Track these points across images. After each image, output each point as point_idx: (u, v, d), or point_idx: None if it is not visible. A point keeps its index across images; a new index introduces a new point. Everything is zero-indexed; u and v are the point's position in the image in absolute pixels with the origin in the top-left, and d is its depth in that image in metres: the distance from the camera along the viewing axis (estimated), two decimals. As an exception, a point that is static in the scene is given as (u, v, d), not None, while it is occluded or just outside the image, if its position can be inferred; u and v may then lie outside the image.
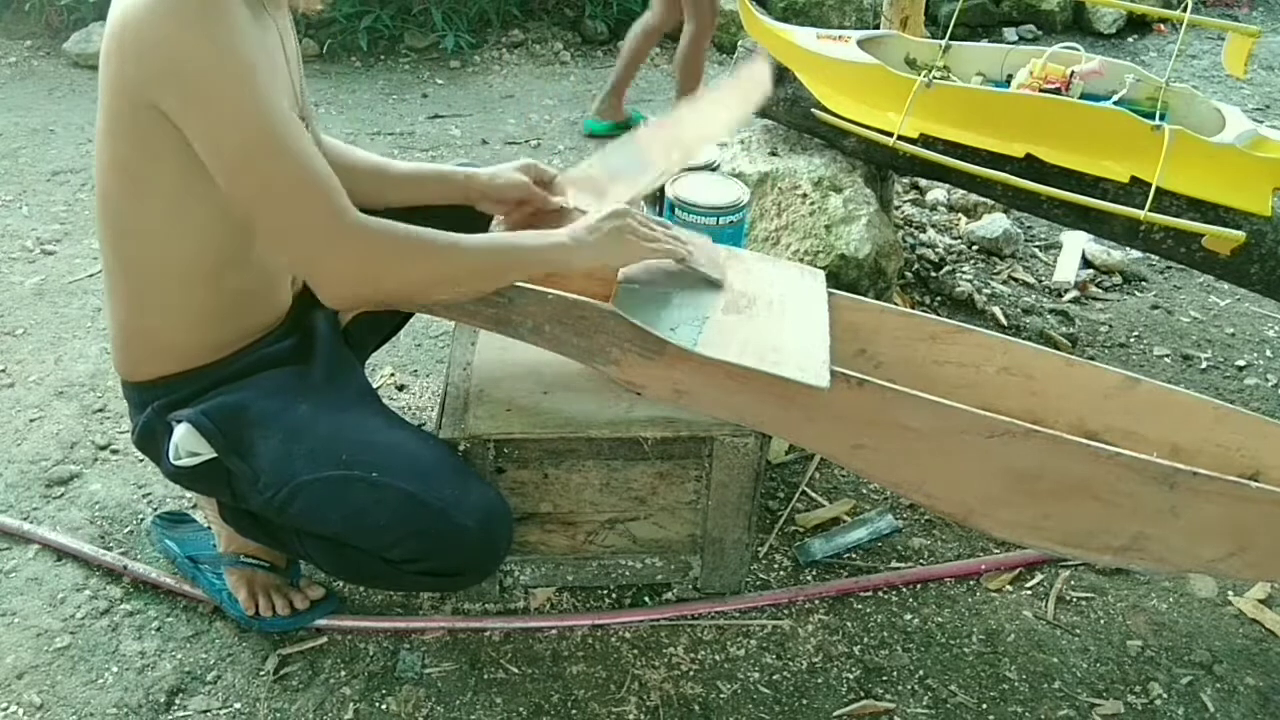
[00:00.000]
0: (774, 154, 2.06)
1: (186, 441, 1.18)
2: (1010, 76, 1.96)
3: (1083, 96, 1.84)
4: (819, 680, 1.38)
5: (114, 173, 1.12)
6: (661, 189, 1.61)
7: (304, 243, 1.09)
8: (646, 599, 1.49)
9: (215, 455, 1.19)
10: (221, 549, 1.45)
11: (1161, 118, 1.71)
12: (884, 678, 1.38)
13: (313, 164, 1.06)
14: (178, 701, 1.33)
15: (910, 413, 1.22)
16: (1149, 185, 1.64)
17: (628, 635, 1.43)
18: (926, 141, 1.84)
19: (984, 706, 1.35)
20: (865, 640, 1.44)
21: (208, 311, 1.21)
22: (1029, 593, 1.53)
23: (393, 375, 1.99)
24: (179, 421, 1.19)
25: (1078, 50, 1.92)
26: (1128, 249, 2.36)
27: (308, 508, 1.18)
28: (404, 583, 1.32)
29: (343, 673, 1.37)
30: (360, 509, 1.17)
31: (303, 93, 1.27)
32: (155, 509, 1.63)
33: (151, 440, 1.25)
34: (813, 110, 1.96)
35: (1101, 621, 1.48)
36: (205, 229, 1.14)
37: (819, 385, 1.17)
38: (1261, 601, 1.52)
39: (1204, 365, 2.13)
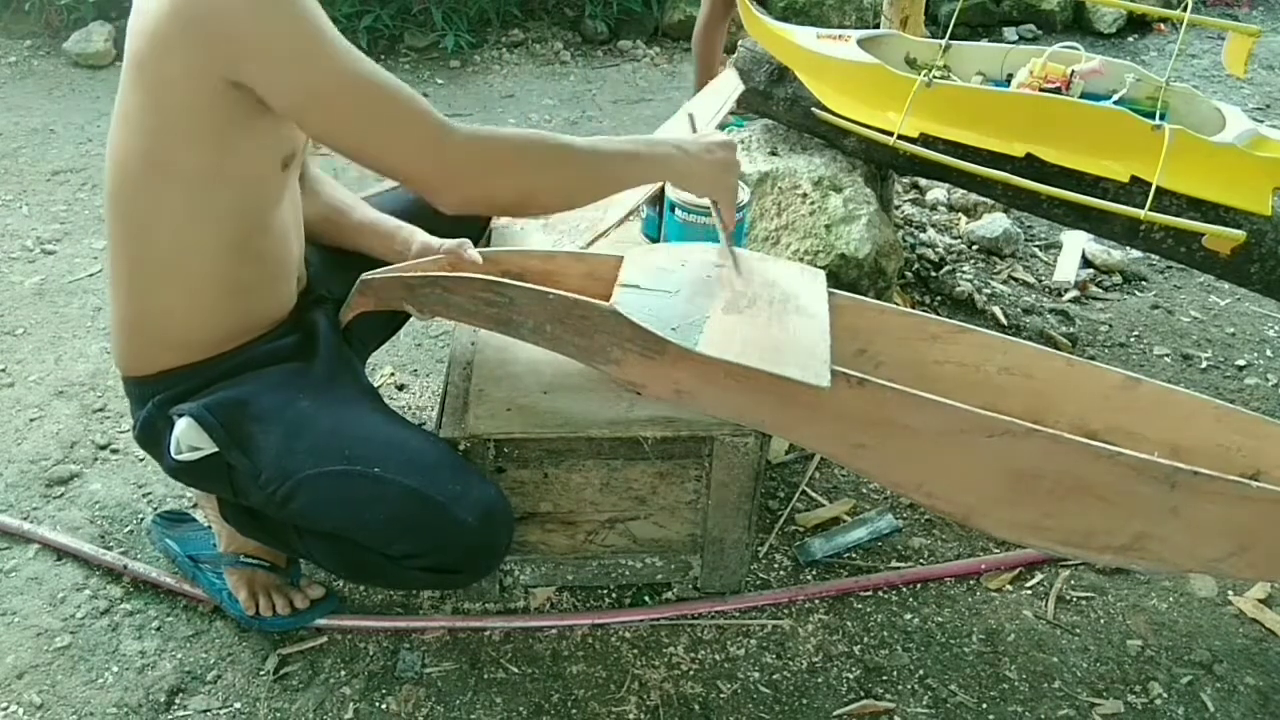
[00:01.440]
0: (774, 153, 2.06)
1: (188, 436, 1.18)
2: (1010, 76, 1.95)
3: (1083, 96, 1.84)
4: (819, 680, 1.38)
5: (135, 163, 1.12)
6: (662, 189, 1.61)
7: (421, 163, 1.11)
8: (646, 599, 1.49)
9: (216, 450, 1.19)
10: (222, 548, 1.45)
11: (1162, 117, 1.71)
12: (884, 677, 1.38)
13: (403, 91, 1.08)
14: (178, 701, 1.33)
15: (911, 412, 1.22)
16: (1149, 185, 1.64)
17: (628, 635, 1.43)
18: (927, 141, 1.84)
19: (984, 706, 1.35)
20: (865, 640, 1.44)
21: (214, 304, 1.21)
22: (1029, 592, 1.53)
23: (393, 375, 1.99)
24: (180, 415, 1.19)
25: (1078, 50, 1.92)
26: (1128, 249, 2.36)
27: (309, 503, 1.18)
28: (405, 580, 1.32)
29: (343, 672, 1.37)
30: (361, 504, 1.17)
31: None
32: (155, 508, 1.63)
33: (153, 435, 1.25)
34: (813, 110, 1.96)
35: (1101, 621, 1.48)
36: (224, 221, 1.15)
37: (820, 385, 1.16)
38: (1261, 601, 1.52)
39: (1204, 365, 2.13)
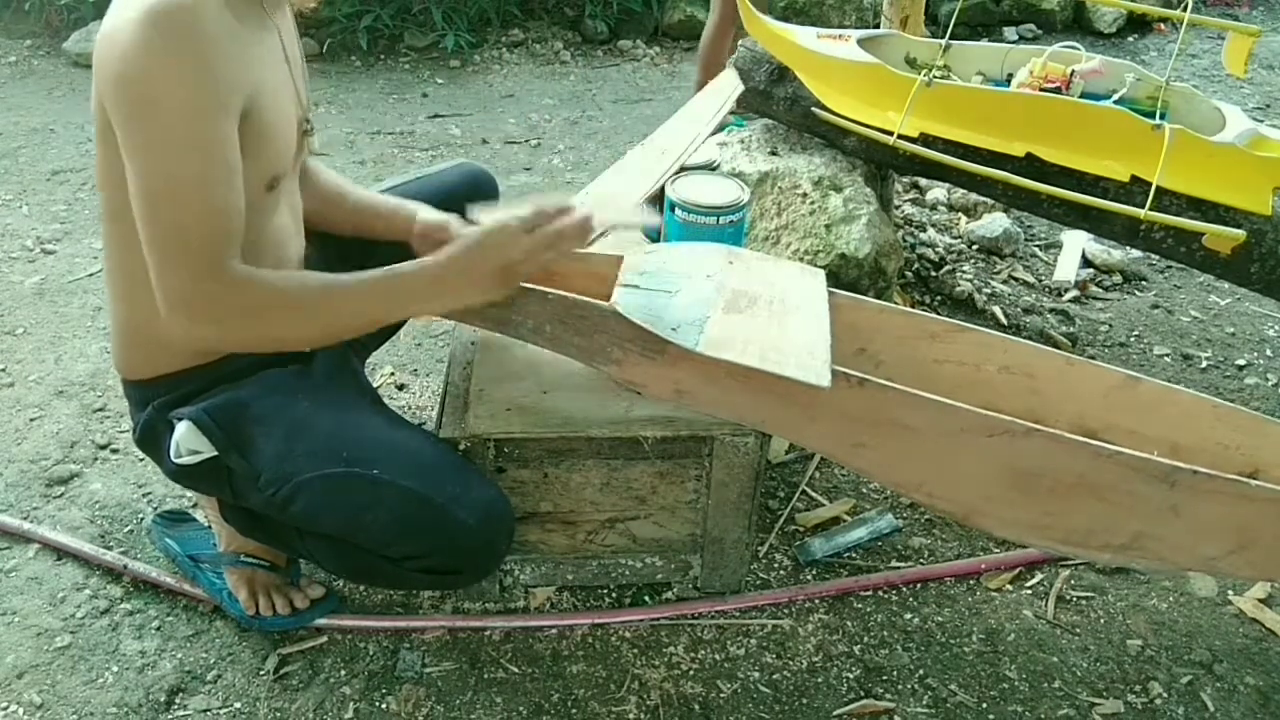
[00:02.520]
0: (774, 153, 2.06)
1: (187, 439, 1.18)
2: (1010, 76, 1.95)
3: (1083, 96, 1.83)
4: (819, 680, 1.38)
5: (119, 177, 1.11)
6: (661, 189, 1.61)
7: (181, 277, 1.06)
8: (646, 598, 1.49)
9: (216, 453, 1.19)
10: (222, 548, 1.45)
11: (1162, 117, 1.71)
12: (884, 677, 1.38)
13: (200, 232, 1.04)
14: (178, 701, 1.33)
15: (911, 412, 1.22)
16: (1149, 184, 1.64)
17: (628, 635, 1.43)
18: (927, 140, 1.84)
19: (984, 706, 1.35)
20: (865, 640, 1.44)
21: None
22: (1029, 592, 1.53)
23: (393, 374, 1.99)
24: (180, 419, 1.19)
25: (1078, 49, 1.92)
26: (1128, 248, 2.36)
27: (309, 505, 1.18)
28: (405, 581, 1.32)
29: (343, 672, 1.37)
30: (361, 506, 1.17)
31: (305, 94, 1.27)
32: (155, 508, 1.63)
33: (152, 439, 1.25)
34: (813, 109, 1.96)
35: (1102, 621, 1.48)
36: None
37: (820, 384, 1.16)
38: (1261, 601, 1.52)
39: (1204, 364, 2.13)
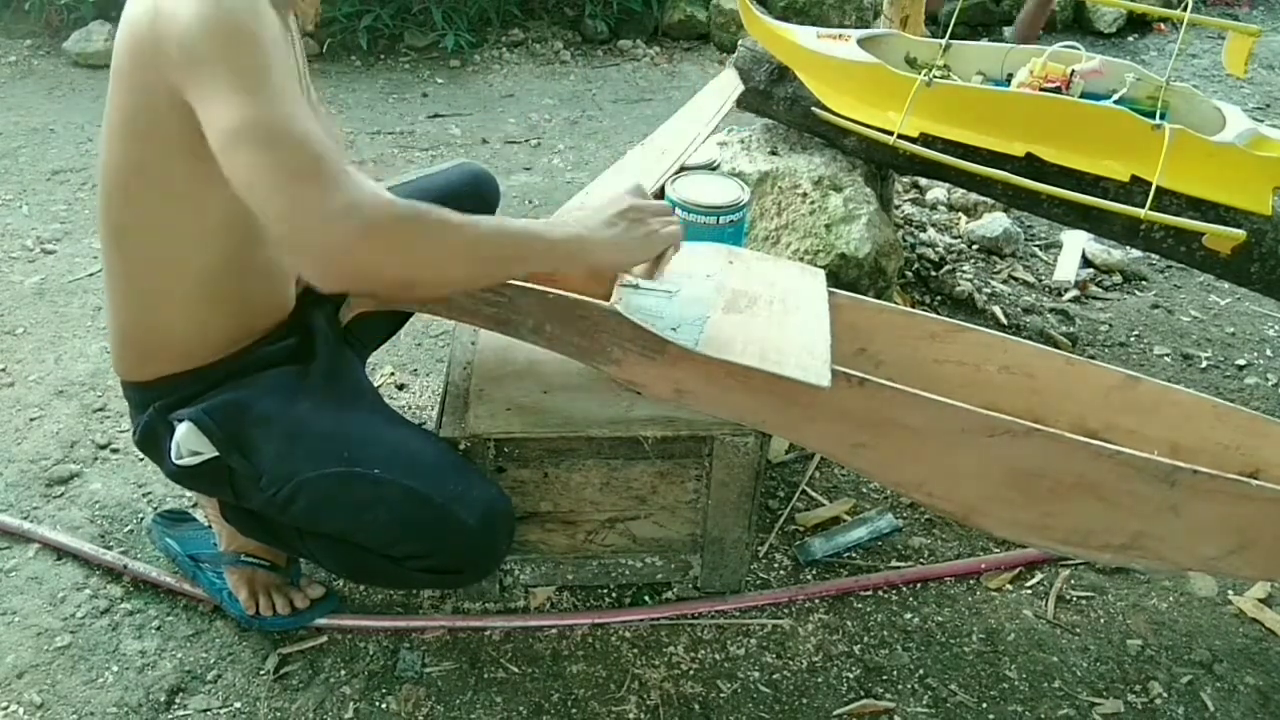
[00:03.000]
0: (774, 153, 2.06)
1: (188, 440, 1.18)
2: (1010, 75, 1.95)
3: (1083, 95, 1.83)
4: (819, 679, 1.38)
5: (128, 173, 1.11)
6: (661, 189, 1.61)
7: (301, 232, 0.97)
8: (646, 598, 1.49)
9: (217, 454, 1.19)
10: (222, 548, 1.45)
11: (1162, 117, 1.71)
12: (884, 677, 1.38)
13: (314, 148, 0.97)
14: (178, 700, 1.33)
15: (911, 412, 1.22)
16: (1149, 184, 1.64)
17: (628, 634, 1.43)
18: (927, 140, 1.84)
19: (984, 705, 1.35)
20: (865, 639, 1.44)
21: (212, 312, 1.21)
22: (1029, 592, 1.53)
23: (393, 374, 1.99)
24: (180, 420, 1.19)
25: (1078, 49, 1.92)
26: (1128, 248, 2.36)
27: (310, 505, 1.18)
28: (406, 580, 1.32)
29: (343, 672, 1.37)
30: (362, 506, 1.17)
31: (310, 91, 1.27)
32: (155, 508, 1.63)
33: (153, 440, 1.25)
34: (813, 109, 1.96)
35: (1102, 621, 1.48)
36: (218, 232, 1.14)
37: (820, 384, 1.16)
38: (1261, 601, 1.52)
39: (1204, 364, 2.13)
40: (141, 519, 1.60)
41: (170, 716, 1.31)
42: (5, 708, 1.30)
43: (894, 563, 1.57)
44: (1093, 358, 2.05)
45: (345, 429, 1.21)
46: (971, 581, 1.54)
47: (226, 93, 0.97)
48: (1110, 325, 2.25)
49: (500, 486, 1.28)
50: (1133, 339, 2.21)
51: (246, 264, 1.19)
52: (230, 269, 1.18)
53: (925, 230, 2.53)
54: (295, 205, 0.95)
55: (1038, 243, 2.58)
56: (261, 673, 1.36)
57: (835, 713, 1.33)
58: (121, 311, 1.21)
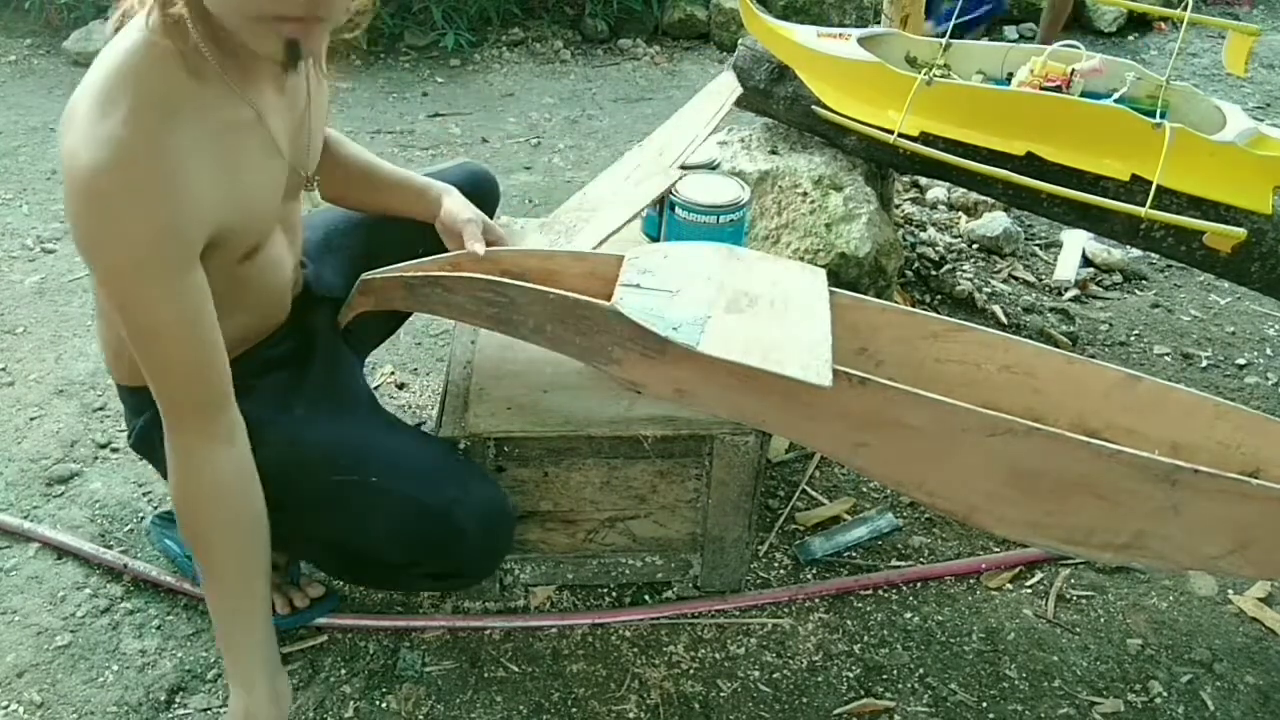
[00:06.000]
0: (774, 152, 2.06)
1: None
2: (1011, 74, 1.95)
3: (1083, 94, 1.83)
4: (819, 679, 1.38)
5: None
6: (662, 197, 1.61)
7: (164, 413, 1.05)
8: (647, 597, 1.49)
9: None
10: None
11: (1162, 116, 1.71)
12: (884, 676, 1.38)
13: (182, 372, 1.02)
14: (178, 700, 1.33)
15: (912, 411, 1.22)
16: (1149, 183, 1.64)
17: (628, 634, 1.43)
18: (927, 139, 1.84)
19: (984, 705, 1.35)
20: (865, 639, 1.44)
21: None
22: (1029, 591, 1.53)
23: (393, 374, 1.99)
24: None
25: (1078, 48, 1.92)
26: (1128, 247, 2.35)
27: (308, 513, 1.17)
28: (405, 583, 1.32)
29: (343, 671, 1.37)
30: (360, 514, 1.16)
31: (310, 144, 1.21)
32: (155, 507, 1.62)
33: (149, 445, 1.25)
34: (813, 108, 1.96)
35: (1102, 620, 1.48)
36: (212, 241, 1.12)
37: (821, 384, 1.16)
38: (1261, 600, 1.52)
39: (1204, 364, 2.13)
40: (141, 518, 1.60)
41: (170, 716, 1.31)
42: (5, 707, 1.30)
43: (894, 562, 1.57)
44: (1093, 357, 2.05)
45: (342, 436, 1.20)
46: (971, 581, 1.54)
47: (99, 284, 0.99)
48: (1110, 324, 2.25)
49: (500, 486, 1.28)
50: (1133, 338, 2.21)
51: (241, 304, 1.16)
52: (223, 276, 1.15)
53: (925, 229, 2.53)
54: (161, 405, 1.04)
55: (1038, 242, 2.58)
56: (262, 672, 1.36)
57: (835, 712, 1.33)
58: (110, 324, 1.19)
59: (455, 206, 1.37)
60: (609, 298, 1.24)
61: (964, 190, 2.57)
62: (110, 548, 1.54)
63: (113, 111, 0.92)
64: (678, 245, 1.49)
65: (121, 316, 0.99)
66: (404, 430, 1.28)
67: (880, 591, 1.52)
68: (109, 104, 0.92)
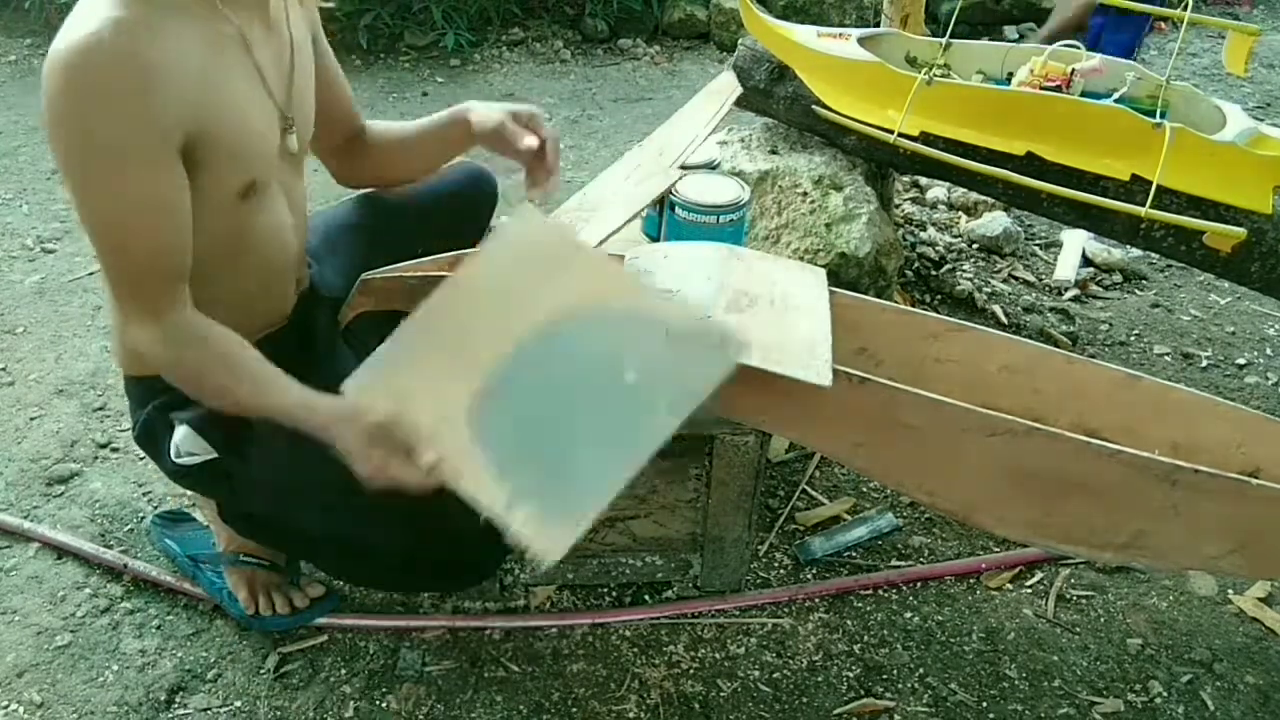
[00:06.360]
0: (774, 152, 2.06)
1: (187, 442, 1.18)
2: (1011, 74, 1.95)
3: (1083, 94, 1.83)
4: (819, 678, 1.38)
5: None
6: (663, 197, 1.61)
7: (126, 318, 1.09)
8: (647, 597, 1.49)
9: (216, 456, 1.19)
10: (221, 548, 1.44)
11: (1162, 115, 1.70)
12: (884, 676, 1.38)
13: (148, 264, 1.05)
14: (178, 700, 1.33)
15: (911, 411, 1.22)
16: (1150, 183, 1.64)
17: (628, 633, 1.43)
18: (927, 139, 1.84)
19: (984, 705, 1.35)
20: (865, 638, 1.44)
21: (210, 310, 1.20)
22: (1029, 591, 1.53)
23: (393, 373, 1.98)
24: (180, 423, 1.19)
25: (1078, 48, 1.92)
26: (1128, 247, 2.35)
27: (309, 511, 1.17)
28: (405, 584, 1.32)
29: (343, 671, 1.37)
30: (361, 511, 1.16)
31: (304, 92, 1.24)
32: (155, 507, 1.62)
33: (152, 438, 1.25)
34: (813, 108, 1.96)
35: (1102, 620, 1.48)
36: (213, 233, 1.13)
37: (821, 384, 1.16)
38: (1261, 600, 1.52)
39: (1204, 363, 2.13)
40: (142, 518, 1.60)
41: (170, 715, 1.31)
42: (6, 706, 1.30)
43: (894, 562, 1.57)
44: (1093, 357, 2.05)
45: None
46: (971, 581, 1.54)
47: (71, 196, 1.03)
48: (1110, 324, 2.25)
49: None
50: (1133, 338, 2.21)
51: (234, 268, 1.18)
52: (226, 268, 1.17)
53: (925, 229, 2.53)
54: (116, 315, 1.11)
55: (1038, 242, 2.58)
56: (262, 672, 1.36)
57: (835, 711, 1.33)
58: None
59: (481, 118, 1.33)
60: (609, 297, 1.24)
61: (964, 190, 2.57)
62: (110, 548, 1.54)
63: (99, 9, 0.97)
64: (678, 245, 1.49)
65: (81, 199, 1.02)
66: None
67: (880, 591, 1.52)
68: (96, 5, 0.97)
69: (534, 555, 0.98)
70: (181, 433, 1.18)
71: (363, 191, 1.48)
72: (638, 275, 1.23)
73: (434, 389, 1.07)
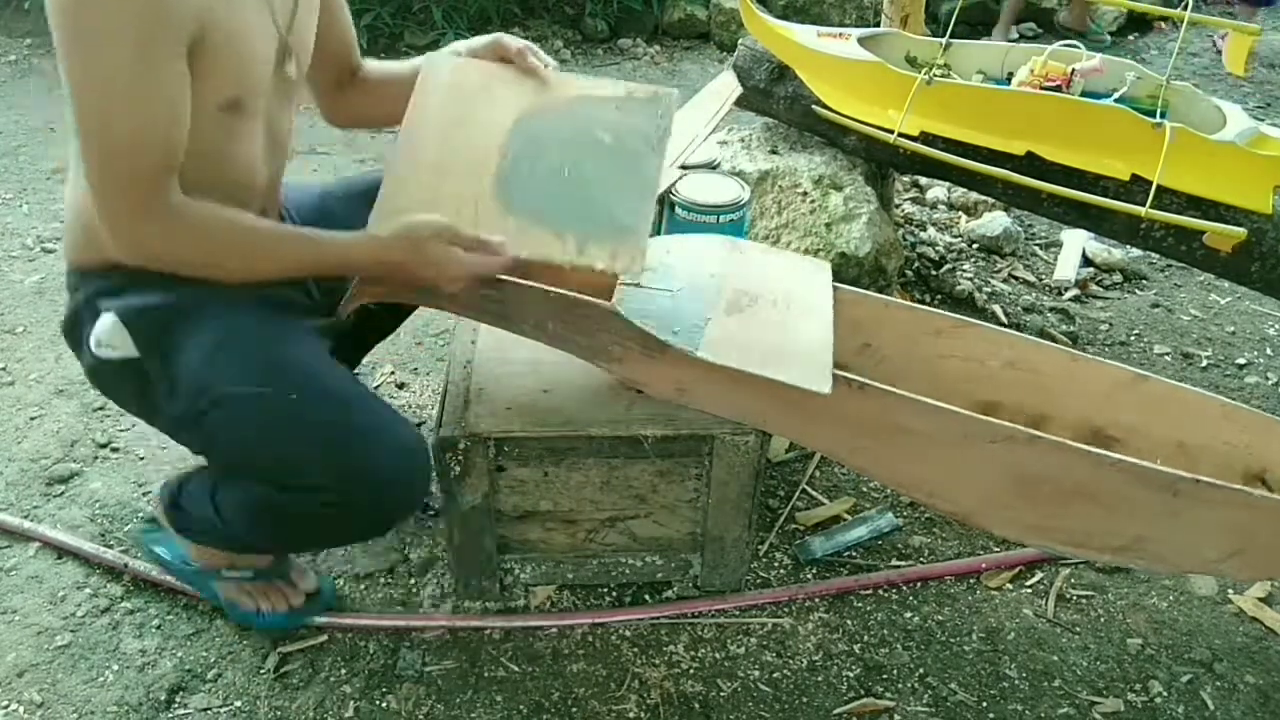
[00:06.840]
0: (774, 152, 2.06)
1: (110, 334, 1.15)
2: (1011, 74, 1.95)
3: (1083, 94, 1.83)
4: (819, 678, 1.38)
5: None
6: (664, 195, 1.61)
7: (114, 207, 1.07)
8: (647, 597, 1.49)
9: (135, 355, 1.16)
10: (199, 566, 1.41)
11: (1162, 115, 1.71)
12: (884, 676, 1.38)
13: (145, 157, 1.04)
14: (178, 699, 1.33)
15: (912, 417, 1.22)
16: (1150, 183, 1.64)
17: (628, 633, 1.43)
18: (927, 139, 1.84)
19: (984, 705, 1.35)
20: (865, 638, 1.44)
21: None
22: (1029, 591, 1.53)
23: (393, 373, 1.99)
24: (108, 310, 1.15)
25: (1078, 48, 1.92)
26: (1128, 247, 2.35)
27: (225, 421, 1.14)
28: (322, 529, 1.25)
29: (343, 671, 1.37)
30: (275, 426, 1.13)
31: (298, 22, 1.21)
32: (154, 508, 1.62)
33: (76, 328, 1.21)
34: (813, 108, 1.96)
35: (1102, 620, 1.48)
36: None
37: (820, 390, 1.16)
38: (1261, 600, 1.52)
39: (1204, 363, 2.13)
40: (142, 518, 1.60)
41: (170, 715, 1.31)
42: (6, 706, 1.30)
43: (894, 562, 1.57)
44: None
45: (273, 350, 1.17)
46: (971, 580, 1.54)
47: (61, 65, 1.01)
48: (1110, 324, 2.25)
49: (419, 432, 1.24)
50: (1133, 338, 2.21)
51: (206, 177, 1.14)
52: (188, 178, 1.11)
53: (925, 229, 2.53)
54: (104, 212, 1.07)
55: (1038, 242, 2.58)
56: (262, 671, 1.36)
57: (835, 711, 1.33)
58: (79, 187, 1.15)
59: (471, 43, 1.36)
60: (611, 294, 1.24)
61: (964, 190, 2.57)
62: (110, 547, 1.54)
63: None
64: (681, 239, 1.49)
65: (86, 86, 1.01)
66: (336, 366, 1.23)
67: (880, 591, 1.51)
68: None
69: (624, 272, 1.21)
70: (106, 321, 1.15)
71: (364, 173, 1.47)
72: (567, 74, 1.36)
73: (454, 194, 1.23)
